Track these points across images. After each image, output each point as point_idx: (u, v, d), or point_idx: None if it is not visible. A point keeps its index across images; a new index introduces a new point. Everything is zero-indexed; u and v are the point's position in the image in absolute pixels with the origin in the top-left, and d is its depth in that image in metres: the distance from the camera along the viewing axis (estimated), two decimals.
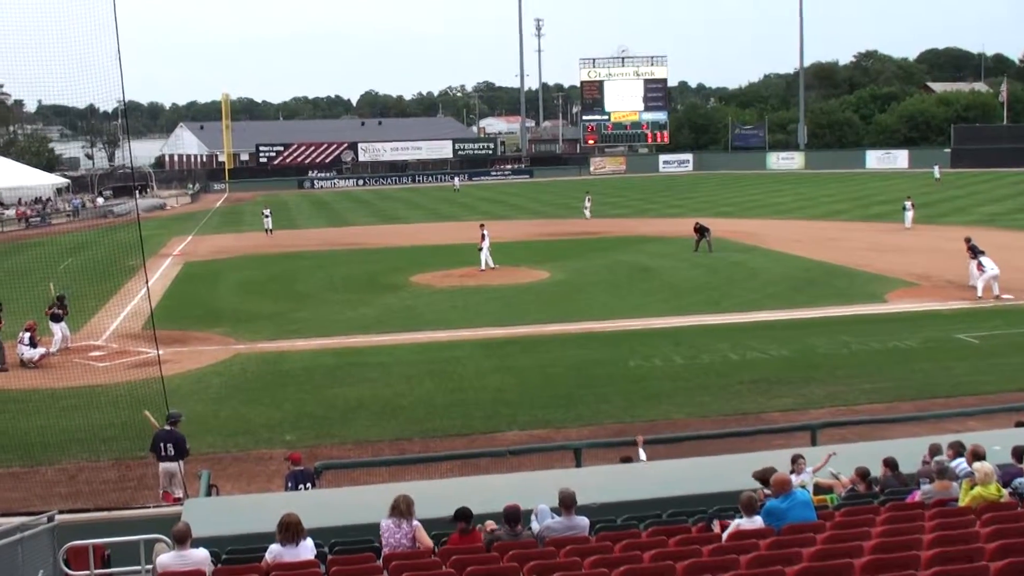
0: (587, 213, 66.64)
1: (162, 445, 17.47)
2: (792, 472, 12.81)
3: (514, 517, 11.17)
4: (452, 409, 22.87)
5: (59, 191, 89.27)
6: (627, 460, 16.23)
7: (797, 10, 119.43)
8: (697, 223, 48.79)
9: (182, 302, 38.32)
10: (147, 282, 32.05)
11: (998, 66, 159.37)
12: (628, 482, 14.60)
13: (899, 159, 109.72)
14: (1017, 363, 25.38)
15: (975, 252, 35.69)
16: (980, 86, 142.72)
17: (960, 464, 12.59)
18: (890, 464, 13.34)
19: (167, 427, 17.67)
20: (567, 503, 11.28)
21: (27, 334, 28.16)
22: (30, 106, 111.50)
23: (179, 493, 17.35)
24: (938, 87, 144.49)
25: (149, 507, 16.91)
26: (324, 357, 28.38)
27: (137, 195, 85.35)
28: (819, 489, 13.00)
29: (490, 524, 11.63)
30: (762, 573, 8.76)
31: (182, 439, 17.61)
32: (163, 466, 17.50)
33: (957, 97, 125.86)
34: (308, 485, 15.51)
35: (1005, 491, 11.38)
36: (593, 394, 23.71)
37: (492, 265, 43.20)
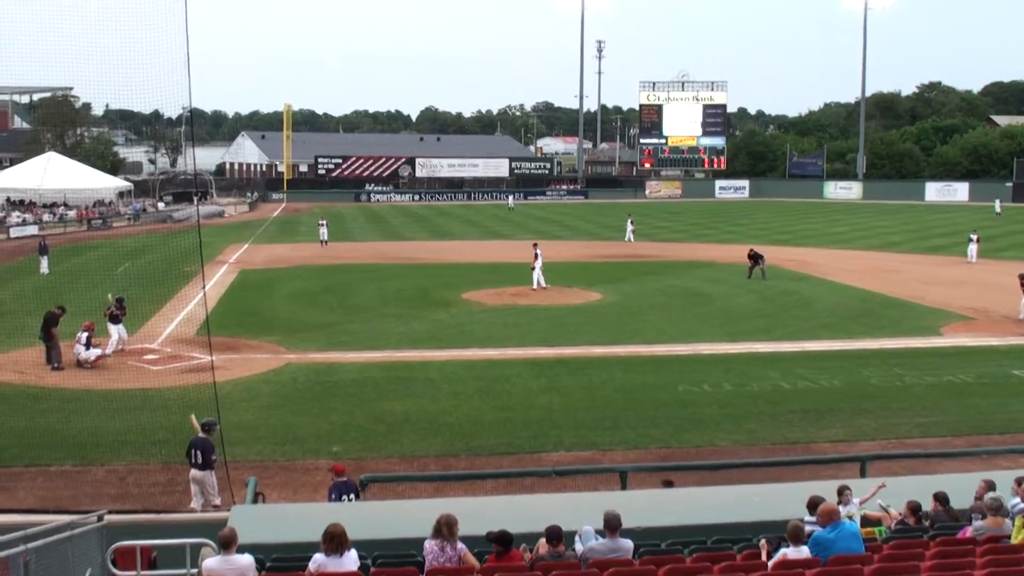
0: (630, 236, 66.56)
1: (193, 452, 17.56)
2: (839, 503, 12.69)
3: (556, 536, 11.13)
4: (499, 427, 22.87)
5: (121, 195, 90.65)
6: (669, 484, 16.13)
7: (861, 39, 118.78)
8: (751, 250, 48.51)
9: (236, 310, 38.68)
10: (204, 288, 32.40)
11: None
12: (674, 507, 14.51)
13: (959, 192, 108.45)
14: None
15: None
16: None
17: (1014, 501, 12.38)
18: (940, 499, 13.15)
19: (202, 434, 17.79)
20: (612, 525, 11.24)
21: (84, 334, 28.51)
22: (97, 109, 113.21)
23: (216, 500, 17.49)
24: (1002, 120, 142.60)
25: (197, 511, 17.10)
26: (373, 370, 28.51)
27: (197, 201, 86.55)
28: (867, 521, 12.86)
29: (542, 545, 11.57)
30: None
31: (211, 447, 17.60)
32: (192, 473, 17.59)
33: (1021, 131, 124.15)
34: (352, 496, 15.56)
35: None
36: (640, 418, 23.60)
37: (544, 285, 43.20)
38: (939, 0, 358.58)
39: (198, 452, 17.52)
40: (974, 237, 54.32)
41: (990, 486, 13.03)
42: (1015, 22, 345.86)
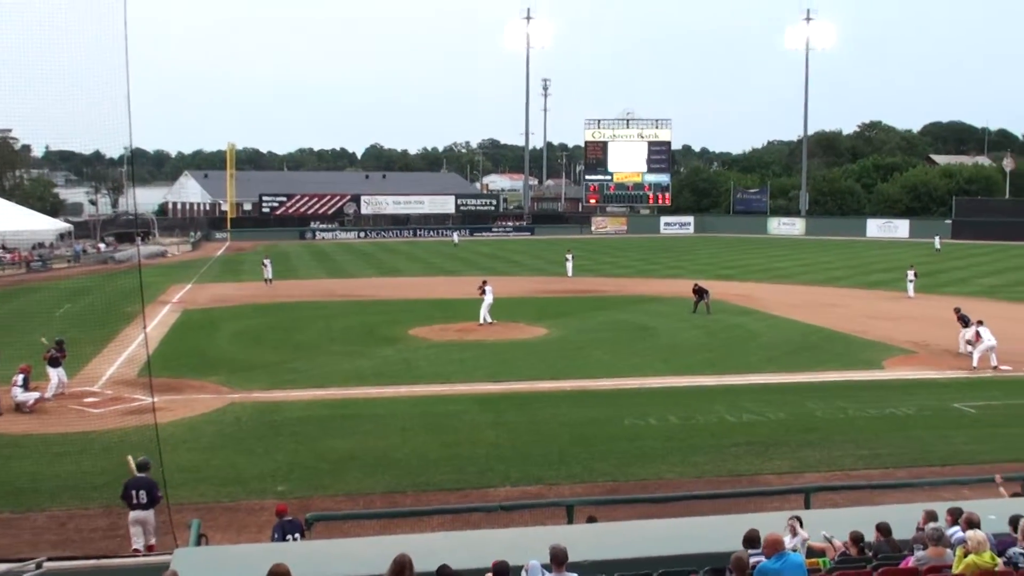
0: (569, 270, 66.93)
1: (134, 492, 17.24)
2: (789, 534, 12.78)
3: (503, 572, 11.08)
4: (446, 463, 22.76)
5: (61, 236, 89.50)
6: (592, 520, 16.16)
7: (803, 79, 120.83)
8: (696, 284, 48.89)
9: (179, 350, 38.23)
10: (144, 328, 32.03)
11: (1001, 141, 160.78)
12: (620, 540, 14.49)
13: (900, 228, 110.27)
14: (1015, 434, 25.33)
15: (965, 322, 36.06)
16: (983, 160, 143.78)
17: (955, 532, 12.52)
18: (883, 529, 13.27)
19: (139, 474, 17.52)
20: (558, 559, 11.21)
21: (21, 376, 28.05)
22: (37, 151, 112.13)
23: (152, 541, 17.23)
24: (941, 159, 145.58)
25: (139, 555, 16.80)
26: (319, 408, 28.29)
27: (139, 242, 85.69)
28: (811, 552, 12.93)
29: None
30: None
31: (155, 485, 17.35)
32: (134, 515, 17.26)
33: (960, 170, 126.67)
34: (297, 536, 15.38)
35: (999, 560, 11.31)
36: (587, 451, 23.60)
37: (490, 320, 43.23)
38: (879, 42, 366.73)
39: (142, 492, 17.24)
40: (911, 274, 55.23)
41: (931, 517, 13.18)
42: (952, 64, 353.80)
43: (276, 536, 15.37)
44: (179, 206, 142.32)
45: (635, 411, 27.46)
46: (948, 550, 11.70)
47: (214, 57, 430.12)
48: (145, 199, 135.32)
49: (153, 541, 17.16)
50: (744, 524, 13.15)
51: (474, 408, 28.21)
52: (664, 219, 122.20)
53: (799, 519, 13.44)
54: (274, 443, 24.56)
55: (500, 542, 14.08)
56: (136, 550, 17.00)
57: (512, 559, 11.54)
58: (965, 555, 11.15)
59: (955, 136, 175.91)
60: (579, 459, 23.00)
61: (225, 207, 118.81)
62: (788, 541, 12.38)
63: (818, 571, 11.85)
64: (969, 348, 34.88)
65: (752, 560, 11.22)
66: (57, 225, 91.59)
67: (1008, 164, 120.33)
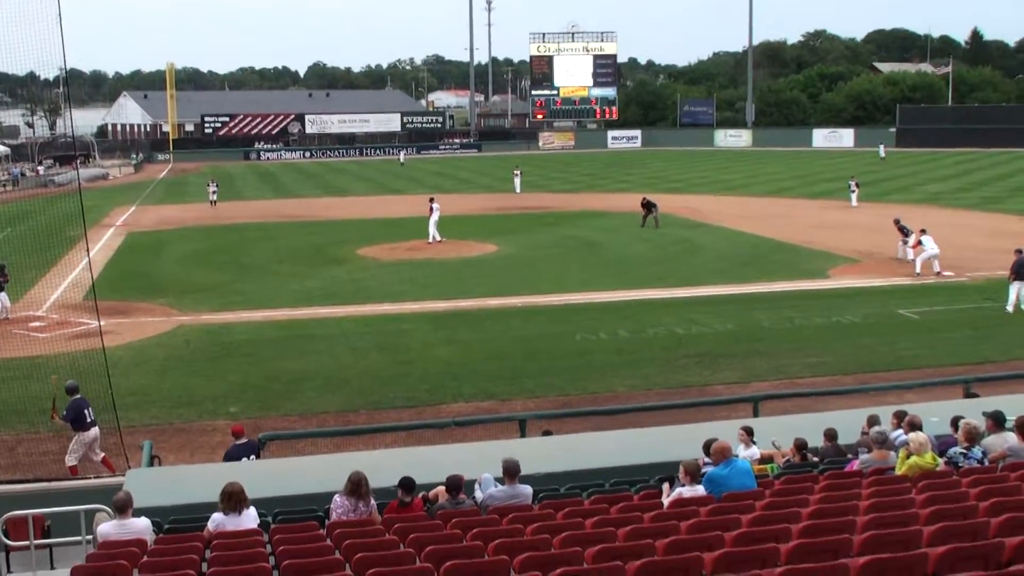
0: (517, 187, 66.83)
1: (87, 411, 17.35)
2: (741, 444, 13.03)
3: (456, 486, 11.20)
4: (398, 381, 22.82)
5: None
6: (547, 433, 16.35)
7: None
8: (644, 198, 48.97)
9: (125, 273, 37.83)
10: (88, 252, 31.59)
11: (944, 47, 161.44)
12: (572, 453, 14.69)
13: (845, 138, 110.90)
14: (957, 338, 25.85)
15: (905, 232, 36.49)
16: (926, 67, 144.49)
17: (898, 434, 12.79)
18: (830, 435, 13.54)
19: (77, 396, 17.49)
20: (511, 472, 11.34)
21: None
22: None
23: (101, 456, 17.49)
24: (885, 67, 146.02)
25: (90, 478, 16.77)
26: (269, 329, 28.19)
27: (79, 164, 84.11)
28: (760, 459, 13.17)
29: (437, 492, 11.65)
30: (701, 539, 8.85)
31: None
32: (94, 431, 17.38)
33: (903, 78, 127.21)
34: (252, 457, 15.42)
35: (940, 460, 11.58)
36: (538, 367, 23.76)
37: (439, 238, 43.12)
38: None
39: (90, 410, 17.34)
40: (853, 184, 55.80)
41: (874, 421, 13.45)
42: None
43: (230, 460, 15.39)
44: (119, 128, 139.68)
45: (585, 326, 27.65)
46: (891, 452, 11.96)
47: None
48: (84, 121, 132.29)
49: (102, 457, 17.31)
50: (694, 434, 13.39)
51: (425, 326, 28.25)
52: (611, 133, 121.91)
53: (749, 429, 13.67)
54: (225, 364, 24.49)
55: (453, 457, 14.24)
56: (72, 467, 17.05)
57: (466, 473, 11.67)
58: (907, 456, 11.40)
59: (898, 44, 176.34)
60: (531, 374, 23.16)
61: (166, 128, 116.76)
62: (741, 452, 12.61)
63: (766, 477, 12.09)
64: (911, 255, 35.36)
65: (703, 468, 11.43)
66: None
67: (949, 68, 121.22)
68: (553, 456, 14.30)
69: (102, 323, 23.39)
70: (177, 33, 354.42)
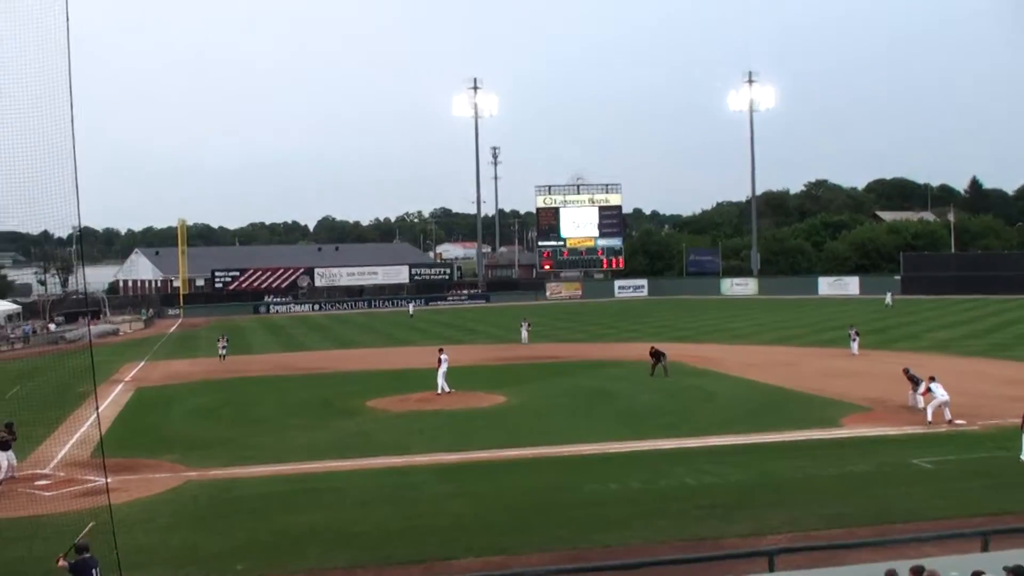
0: (526, 338, 66.92)
1: (95, 571, 17.03)
2: None
3: None
4: (407, 536, 22.49)
5: (9, 318, 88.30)
6: None
7: (748, 140, 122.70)
8: (652, 347, 49.04)
9: (133, 429, 37.71)
10: (97, 408, 31.55)
11: (944, 196, 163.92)
12: None
13: (850, 285, 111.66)
14: (973, 488, 25.48)
15: (915, 382, 36.35)
16: (927, 215, 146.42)
17: None
18: None
19: (86, 555, 17.21)
20: None
21: None
22: None
23: None
24: (887, 215, 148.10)
25: None
26: (277, 484, 27.94)
27: (89, 321, 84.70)
28: None
29: None
30: None
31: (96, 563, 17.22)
32: None
33: (906, 226, 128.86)
34: None
35: None
36: (549, 519, 23.42)
37: (448, 389, 43.03)
38: (820, 102, 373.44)
39: (98, 570, 17.03)
40: (853, 332, 56.01)
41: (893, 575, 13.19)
42: (893, 121, 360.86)
43: None
44: (130, 284, 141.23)
45: (596, 476, 27.37)
46: None
47: (162, 134, 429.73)
48: (95, 278, 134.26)
49: None
50: None
51: (435, 479, 27.99)
52: (618, 283, 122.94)
53: None
54: (232, 521, 24.18)
55: None
56: None
57: None
58: None
59: (899, 192, 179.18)
60: (542, 527, 22.83)
61: (177, 284, 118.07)
62: None
63: None
64: (921, 403, 35.20)
65: None
66: (6, 307, 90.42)
67: (951, 216, 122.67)
68: None
69: (109, 480, 23.23)
70: (188, 191, 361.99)
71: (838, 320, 75.93)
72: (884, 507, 23.82)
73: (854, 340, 55.44)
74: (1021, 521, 21.45)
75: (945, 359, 50.35)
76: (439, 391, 42.90)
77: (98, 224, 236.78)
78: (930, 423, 33.51)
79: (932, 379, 34.85)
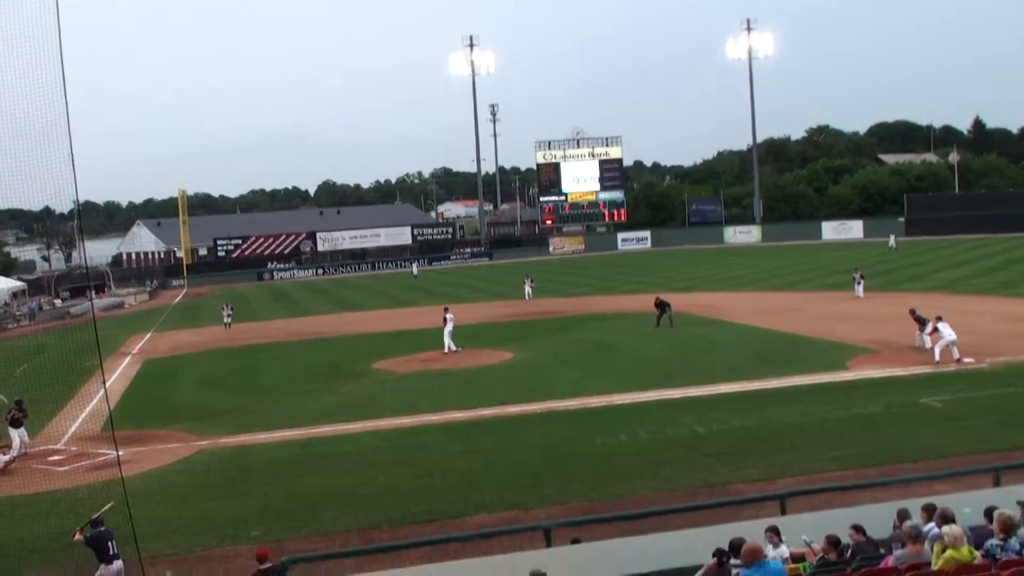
0: (529, 294, 66.85)
1: (111, 544, 17.12)
2: (769, 543, 12.76)
3: None
4: (419, 495, 22.60)
5: (15, 295, 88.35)
6: (576, 541, 16.09)
7: (748, 88, 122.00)
8: (658, 298, 49.00)
9: (142, 400, 37.83)
10: (104, 382, 31.58)
11: (947, 137, 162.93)
12: (599, 560, 14.42)
13: (854, 229, 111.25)
14: (982, 425, 25.54)
15: (922, 322, 36.34)
16: (930, 157, 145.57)
17: (931, 527, 12.55)
18: (858, 529, 13.29)
19: (101, 528, 17.30)
20: None
21: None
22: None
23: None
24: (889, 158, 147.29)
25: None
26: (288, 449, 28.05)
27: (94, 295, 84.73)
28: (792, 558, 12.91)
29: None
30: None
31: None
32: (118, 564, 17.12)
33: (909, 168, 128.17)
34: None
35: (977, 553, 11.33)
36: (560, 473, 23.53)
37: (455, 348, 43.10)
38: (819, 46, 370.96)
39: (114, 543, 17.12)
40: (858, 276, 55.90)
41: (903, 515, 13.20)
42: (894, 64, 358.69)
43: None
44: (133, 256, 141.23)
45: (605, 429, 27.44)
46: (926, 547, 11.72)
47: (160, 105, 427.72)
48: (98, 251, 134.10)
49: None
50: (721, 535, 13.12)
51: (444, 437, 28.08)
52: (621, 235, 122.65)
53: (776, 529, 13.40)
54: (245, 487, 24.31)
55: (479, 571, 13.99)
56: None
57: None
58: (943, 551, 11.17)
59: (901, 135, 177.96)
60: (552, 481, 22.92)
61: (180, 254, 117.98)
62: (769, 552, 12.37)
63: None
64: (928, 343, 35.20)
65: (733, 571, 11.20)
66: (10, 284, 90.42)
67: (954, 158, 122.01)
68: (580, 565, 14.07)
69: (120, 453, 23.30)
70: (188, 161, 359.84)
71: (842, 264, 75.82)
72: (894, 447, 23.89)
73: (859, 283, 55.36)
74: None
75: (951, 298, 50.29)
76: (446, 350, 42.97)
77: (99, 197, 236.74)
78: (938, 363, 33.51)
79: (939, 319, 34.82)
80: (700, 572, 11.43)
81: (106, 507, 17.94)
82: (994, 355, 34.38)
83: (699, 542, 14.29)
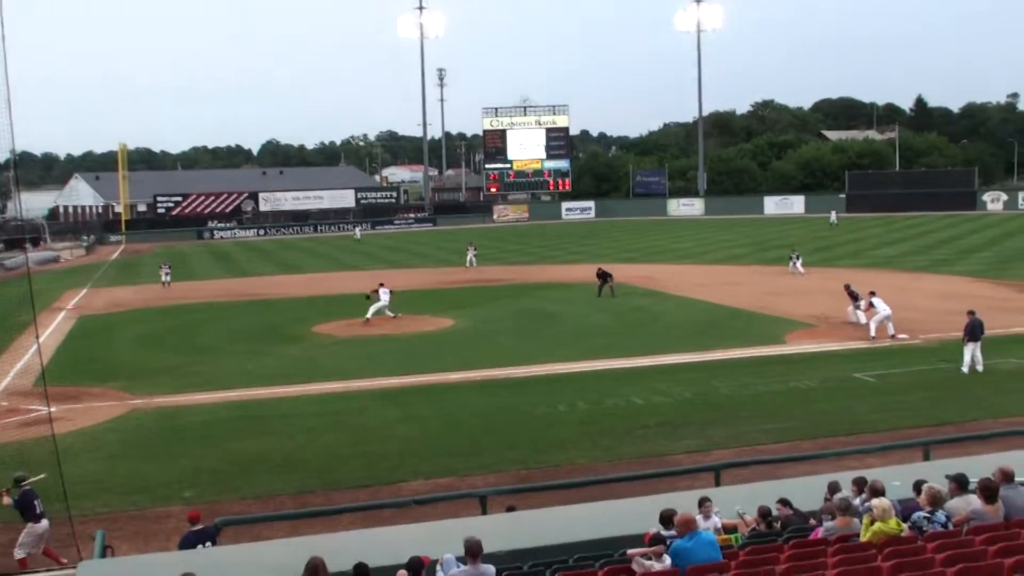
0: (472, 261, 66.62)
1: (36, 503, 16.89)
2: (701, 515, 12.87)
3: (417, 568, 10.97)
4: (355, 460, 22.52)
5: None
6: (511, 509, 16.15)
7: (695, 61, 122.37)
8: (599, 269, 49.15)
9: (76, 357, 37.25)
10: (38, 337, 31.06)
11: (889, 115, 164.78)
12: (534, 528, 14.46)
13: (796, 205, 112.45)
14: (914, 400, 25.97)
15: (854, 296, 36.91)
16: (873, 134, 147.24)
17: (862, 499, 12.72)
18: (785, 503, 13.51)
19: (26, 487, 17.05)
20: (473, 551, 11.13)
21: None
22: None
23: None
24: (832, 135, 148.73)
25: (40, 571, 16.31)
26: (223, 410, 27.77)
27: (29, 248, 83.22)
28: (723, 529, 13.05)
29: (399, 575, 11.40)
30: None
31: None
32: (45, 523, 16.91)
33: (851, 145, 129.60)
34: (208, 544, 15.05)
35: (904, 525, 11.51)
36: (498, 441, 23.56)
37: (392, 314, 42.44)
38: (767, 22, 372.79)
39: (39, 501, 16.88)
40: (794, 256, 56.19)
41: (833, 489, 13.40)
42: (838, 41, 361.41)
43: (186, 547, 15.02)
44: (70, 210, 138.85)
45: (544, 398, 27.49)
46: (855, 519, 11.88)
47: (101, 56, 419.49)
48: (34, 204, 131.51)
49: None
50: (657, 505, 13.22)
51: (382, 403, 27.97)
52: (565, 205, 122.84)
53: (709, 500, 13.53)
54: (179, 448, 24.04)
55: (414, 537, 13.97)
56: (22, 560, 16.56)
57: (428, 553, 11.45)
58: (872, 522, 11.33)
59: (845, 112, 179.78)
60: (491, 449, 22.94)
61: (119, 209, 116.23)
62: (701, 523, 12.47)
63: (730, 547, 11.95)
64: (863, 319, 35.68)
65: (667, 539, 11.29)
66: None
67: (891, 134, 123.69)
68: (515, 533, 14.08)
69: (52, 409, 23.00)
70: (129, 114, 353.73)
71: (783, 239, 76.59)
72: (827, 421, 24.21)
73: (796, 262, 55.38)
74: (961, 431, 21.95)
75: (889, 275, 51.03)
76: (368, 316, 42.11)
77: (36, 148, 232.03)
78: (873, 338, 33.98)
79: (872, 294, 35.31)
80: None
81: (38, 477, 17.63)
82: (928, 332, 34.94)
83: (634, 512, 14.41)
